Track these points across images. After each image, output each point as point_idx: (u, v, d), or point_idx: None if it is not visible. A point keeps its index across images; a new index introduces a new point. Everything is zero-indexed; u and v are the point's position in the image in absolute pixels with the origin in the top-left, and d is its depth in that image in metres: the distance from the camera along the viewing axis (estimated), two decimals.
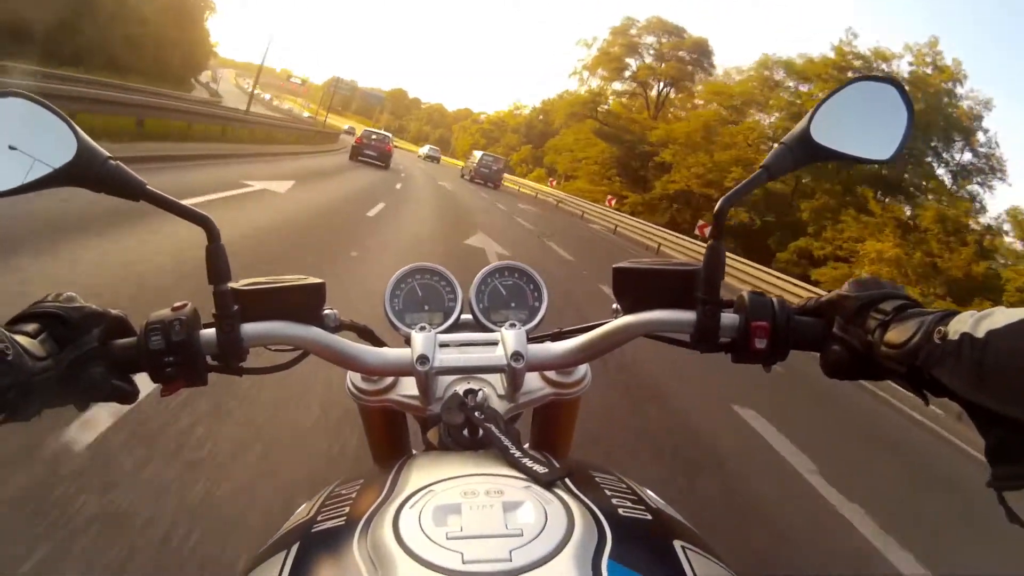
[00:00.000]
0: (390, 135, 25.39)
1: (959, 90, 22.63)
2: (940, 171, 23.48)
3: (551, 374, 0.65)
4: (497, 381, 0.63)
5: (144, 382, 0.53)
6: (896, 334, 0.48)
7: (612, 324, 0.58)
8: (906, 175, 22.92)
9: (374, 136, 24.05)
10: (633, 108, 36.97)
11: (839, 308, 0.54)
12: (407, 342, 0.59)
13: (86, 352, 0.49)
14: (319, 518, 0.45)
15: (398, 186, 16.33)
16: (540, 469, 0.46)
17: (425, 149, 52.93)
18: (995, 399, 0.40)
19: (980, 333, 0.41)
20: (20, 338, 0.46)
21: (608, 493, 0.46)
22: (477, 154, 34.08)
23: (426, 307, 0.67)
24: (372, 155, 22.80)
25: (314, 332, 0.56)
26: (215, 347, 0.53)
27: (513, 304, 0.68)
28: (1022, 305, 0.41)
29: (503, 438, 0.51)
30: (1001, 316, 0.40)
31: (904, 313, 0.49)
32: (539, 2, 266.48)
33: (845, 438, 4.91)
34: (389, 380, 0.64)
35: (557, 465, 0.47)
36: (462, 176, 33.06)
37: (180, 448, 2.01)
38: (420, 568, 0.35)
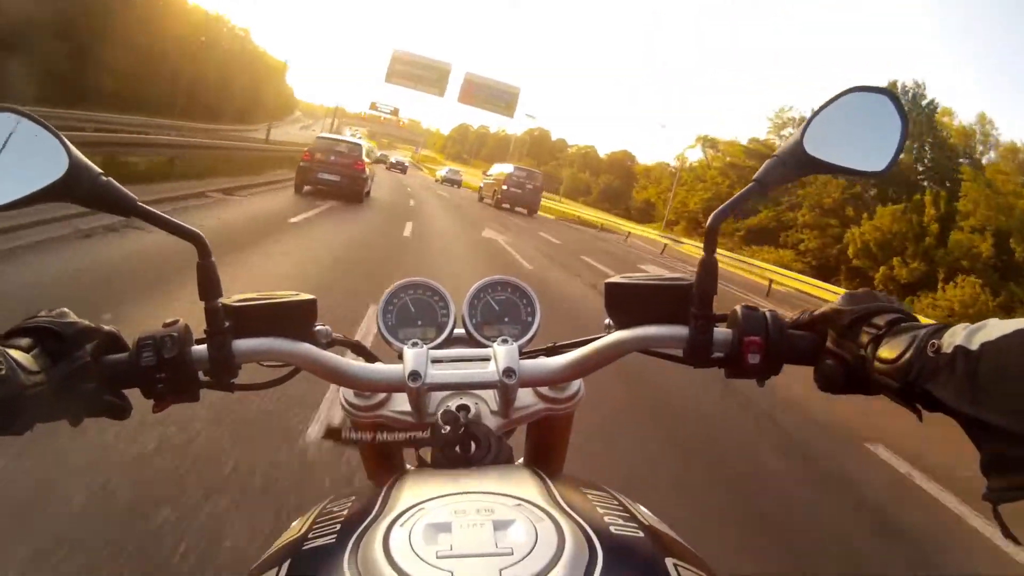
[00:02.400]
0: (363, 144, 15.20)
1: None
2: None
3: (544, 389, 0.65)
4: (490, 397, 0.63)
5: (136, 397, 0.54)
6: (889, 349, 0.48)
7: (605, 339, 0.59)
8: None
9: (337, 149, 13.50)
10: None
11: (832, 322, 0.54)
12: (400, 358, 0.59)
13: (79, 367, 0.50)
14: (310, 535, 0.45)
15: None
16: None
17: (443, 171, 44.88)
18: (990, 411, 0.40)
19: (974, 345, 0.41)
20: (14, 352, 0.46)
21: (600, 510, 0.46)
22: (503, 168, 24.89)
23: (419, 322, 0.68)
24: (331, 180, 12.96)
25: (305, 348, 0.57)
26: (207, 363, 0.54)
27: (506, 319, 0.69)
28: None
29: None
30: (995, 328, 0.41)
31: (897, 327, 0.49)
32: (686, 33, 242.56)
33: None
34: (382, 396, 0.64)
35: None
36: (481, 199, 25.09)
37: None
38: None
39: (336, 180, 13.12)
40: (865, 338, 0.50)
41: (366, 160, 14.14)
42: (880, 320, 0.50)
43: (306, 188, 13.15)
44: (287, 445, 2.46)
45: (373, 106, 74.69)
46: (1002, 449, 0.40)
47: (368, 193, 15.27)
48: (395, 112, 76.49)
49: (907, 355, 0.46)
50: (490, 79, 44.14)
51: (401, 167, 45.38)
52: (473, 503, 0.43)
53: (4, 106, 0.49)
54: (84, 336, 0.52)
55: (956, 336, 0.42)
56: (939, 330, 0.45)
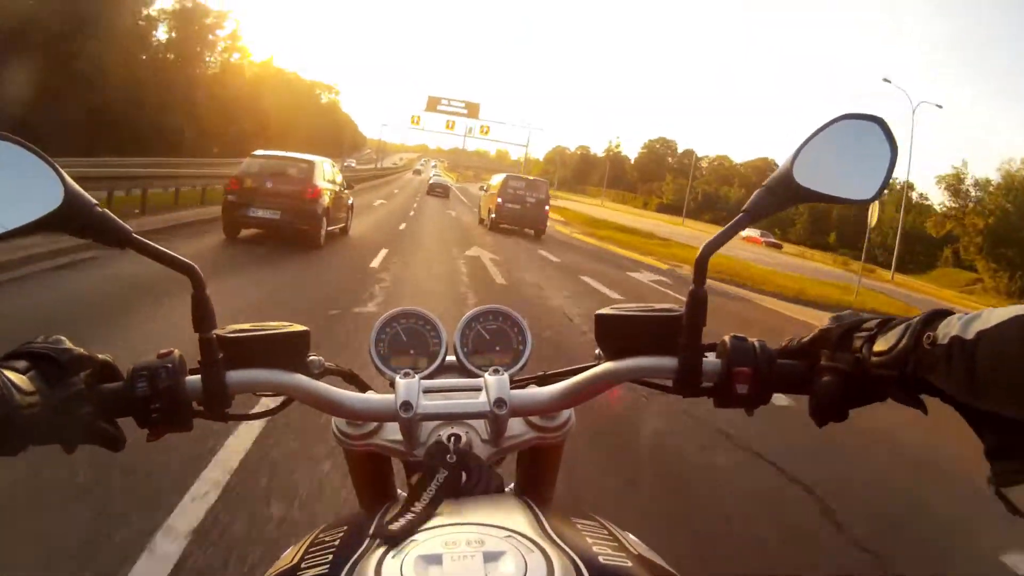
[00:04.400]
0: (320, 161, 10.15)
1: None
2: None
3: (535, 418, 0.66)
4: (481, 426, 0.64)
5: (129, 426, 0.54)
6: (883, 342, 0.48)
7: (595, 370, 0.60)
8: None
9: (276, 171, 9.43)
10: None
11: (824, 342, 0.54)
12: (392, 387, 0.60)
13: (74, 393, 0.50)
14: (303, 565, 0.45)
15: None
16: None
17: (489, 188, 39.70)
18: (990, 399, 0.41)
19: (970, 335, 0.41)
20: (9, 373, 0.47)
21: (589, 540, 0.46)
22: (495, 179, 20.34)
23: (411, 351, 0.69)
24: (268, 218, 8.96)
25: (298, 379, 0.58)
26: (200, 393, 0.55)
27: (498, 348, 0.70)
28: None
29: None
30: (991, 316, 0.41)
31: (888, 325, 0.50)
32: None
33: None
34: (374, 424, 0.64)
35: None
36: (480, 222, 20.34)
37: None
38: None
39: (275, 218, 8.91)
40: (859, 343, 0.51)
41: (323, 184, 9.67)
42: (870, 324, 0.52)
43: (244, 231, 9.23)
44: None
45: (432, 104, 47.68)
46: (1004, 435, 0.41)
47: (344, 230, 11.35)
48: (472, 110, 50.35)
49: (902, 343, 0.46)
50: None
51: (443, 191, 41.17)
52: (463, 534, 0.44)
53: (0, 134, 0.49)
54: (79, 363, 0.52)
55: (952, 327, 0.43)
56: (931, 320, 0.45)
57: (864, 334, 0.50)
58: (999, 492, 0.41)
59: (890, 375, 0.47)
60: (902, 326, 0.47)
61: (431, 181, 45.47)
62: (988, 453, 0.42)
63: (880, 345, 0.48)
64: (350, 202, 11.83)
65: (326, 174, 10.10)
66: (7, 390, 0.44)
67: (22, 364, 0.48)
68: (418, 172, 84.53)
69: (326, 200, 9.60)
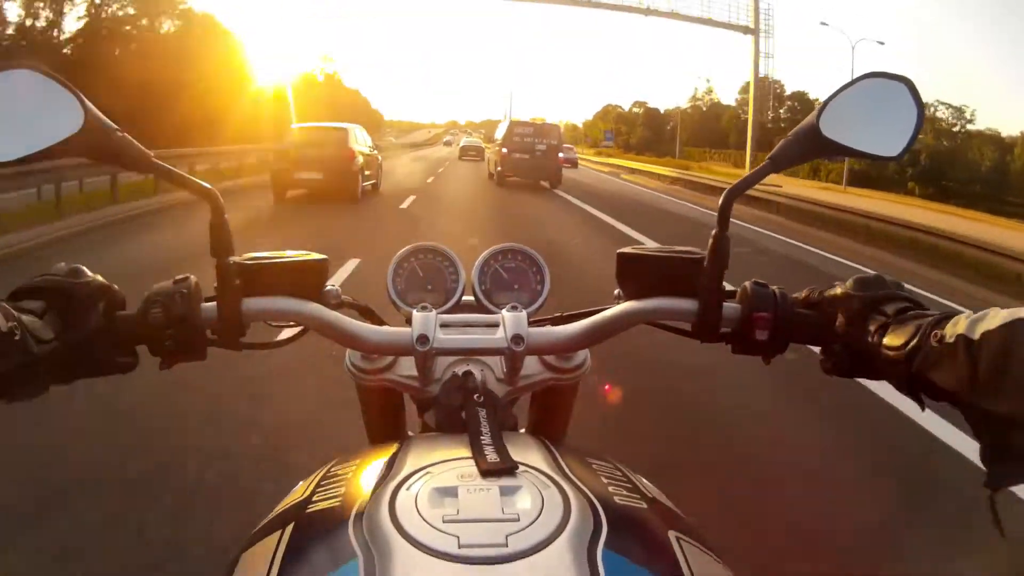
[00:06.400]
0: (353, 127, 12.12)
1: None
2: None
3: (550, 358, 0.66)
4: (496, 364, 0.63)
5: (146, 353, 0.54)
6: (895, 337, 0.49)
7: (614, 310, 0.59)
8: None
9: (317, 140, 11.15)
10: None
11: (842, 305, 0.55)
12: (408, 322, 0.59)
13: (90, 332, 0.51)
14: (315, 498, 0.45)
15: None
16: (491, 458, 0.46)
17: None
18: (991, 399, 0.41)
19: (975, 335, 0.42)
20: (26, 318, 0.47)
21: (604, 481, 0.46)
22: (500, 128, 17.93)
23: (428, 287, 0.69)
24: (313, 178, 10.73)
25: (314, 308, 0.57)
26: (215, 321, 0.55)
27: (516, 287, 0.70)
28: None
29: (482, 423, 0.52)
30: (996, 317, 0.42)
31: (904, 316, 0.50)
32: None
33: None
34: (388, 359, 0.64)
35: (509, 461, 0.46)
36: (490, 176, 17.96)
37: None
38: (415, 551, 0.36)
39: (319, 177, 10.69)
40: (873, 325, 0.51)
41: (357, 147, 11.49)
42: (889, 308, 0.52)
43: (290, 193, 10.87)
44: None
45: None
46: (1002, 436, 0.41)
47: (376, 186, 12.82)
48: None
49: (912, 343, 0.47)
50: None
51: (476, 153, 37.05)
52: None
53: (23, 63, 0.50)
54: (96, 295, 0.52)
55: (959, 326, 0.43)
56: (943, 319, 0.46)
57: (881, 319, 0.51)
58: (992, 500, 0.41)
59: (896, 371, 0.48)
60: (915, 324, 0.48)
61: (462, 144, 43.93)
62: (984, 455, 0.42)
63: (892, 339, 0.48)
64: (380, 160, 13.81)
65: (359, 139, 12.08)
66: (25, 339, 0.45)
67: (38, 306, 0.49)
68: (448, 143, 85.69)
69: (360, 161, 11.41)
